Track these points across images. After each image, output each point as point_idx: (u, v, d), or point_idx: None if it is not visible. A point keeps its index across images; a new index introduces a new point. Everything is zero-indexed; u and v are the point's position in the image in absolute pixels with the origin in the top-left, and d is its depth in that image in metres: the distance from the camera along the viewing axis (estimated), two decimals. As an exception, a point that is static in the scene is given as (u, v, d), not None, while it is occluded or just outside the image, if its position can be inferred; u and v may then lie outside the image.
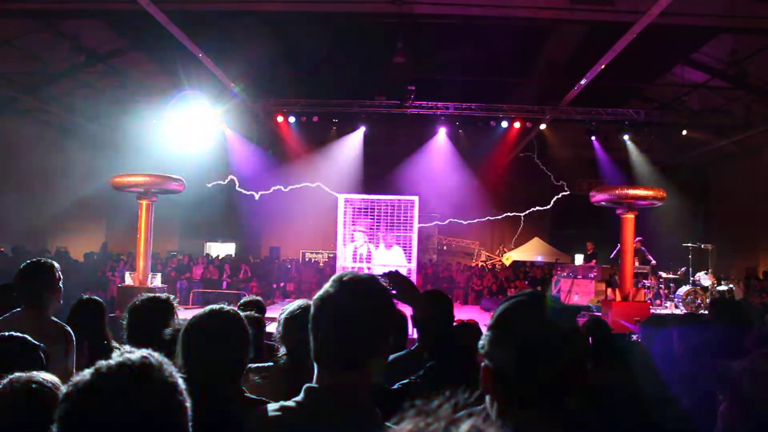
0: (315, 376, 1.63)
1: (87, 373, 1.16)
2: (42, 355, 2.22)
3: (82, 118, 19.04)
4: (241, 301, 4.41)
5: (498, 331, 1.39)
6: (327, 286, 1.66)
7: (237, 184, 15.57)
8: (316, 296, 1.67)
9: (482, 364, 1.41)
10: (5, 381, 1.74)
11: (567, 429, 1.34)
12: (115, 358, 1.19)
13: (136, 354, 1.19)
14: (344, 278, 1.66)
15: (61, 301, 3.61)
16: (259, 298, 4.68)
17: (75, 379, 1.16)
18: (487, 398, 1.40)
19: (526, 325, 1.36)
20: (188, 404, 1.23)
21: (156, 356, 1.22)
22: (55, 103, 17.96)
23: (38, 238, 18.71)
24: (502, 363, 1.35)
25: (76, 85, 17.91)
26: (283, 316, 3.04)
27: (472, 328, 3.94)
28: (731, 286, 15.82)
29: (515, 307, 1.42)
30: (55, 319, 3.50)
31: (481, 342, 1.42)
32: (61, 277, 3.59)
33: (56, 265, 3.59)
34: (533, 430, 1.32)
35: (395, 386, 2.59)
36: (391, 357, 2.86)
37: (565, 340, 1.35)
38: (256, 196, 15.78)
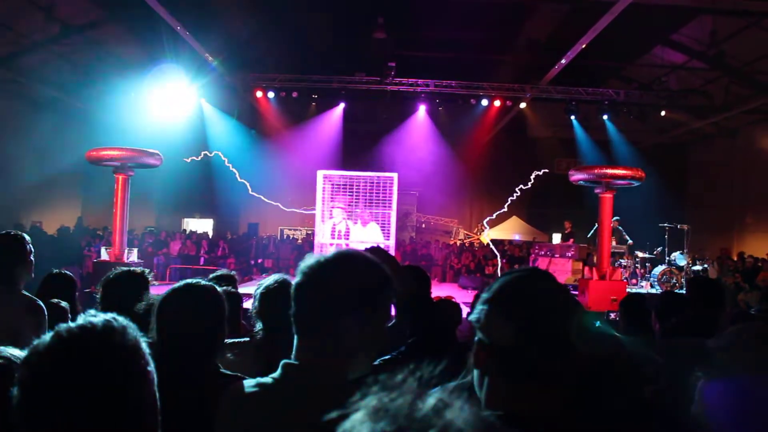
0: (294, 351, 1.59)
1: (48, 336, 1.13)
2: None
3: (57, 90, 18.70)
4: (212, 275, 4.29)
5: (497, 305, 1.38)
6: (319, 256, 1.62)
7: (225, 160, 15.28)
8: (303, 265, 1.62)
9: (475, 338, 1.40)
10: None
11: (563, 405, 1.35)
12: (78, 321, 1.16)
13: (99, 317, 1.16)
14: (331, 251, 1.64)
15: (33, 275, 3.54)
16: (230, 272, 4.55)
17: (35, 342, 1.13)
18: (475, 373, 1.40)
19: (527, 300, 1.36)
20: (151, 369, 1.20)
21: (120, 320, 1.18)
22: (29, 75, 17.61)
23: (12, 213, 18.43)
24: (498, 337, 1.35)
25: (51, 57, 17.54)
26: (258, 290, 2.99)
27: (450, 305, 3.94)
28: (706, 266, 16.00)
29: (516, 282, 1.41)
30: (26, 293, 3.42)
31: (475, 316, 1.41)
32: (33, 250, 3.51)
33: (27, 237, 3.51)
34: (524, 405, 1.32)
35: (376, 362, 2.56)
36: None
37: (565, 317, 1.35)
38: (237, 177, 15.59)
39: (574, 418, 1.38)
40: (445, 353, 1.22)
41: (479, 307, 1.40)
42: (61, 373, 1.09)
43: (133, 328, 1.19)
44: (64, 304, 3.82)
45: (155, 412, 1.21)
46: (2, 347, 1.72)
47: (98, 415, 1.09)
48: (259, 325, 2.93)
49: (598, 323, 1.37)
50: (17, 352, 1.70)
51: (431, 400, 0.73)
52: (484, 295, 1.42)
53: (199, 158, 15.76)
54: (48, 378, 1.09)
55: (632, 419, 1.67)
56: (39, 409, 1.09)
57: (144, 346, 1.20)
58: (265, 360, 2.64)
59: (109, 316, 1.18)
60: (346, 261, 1.60)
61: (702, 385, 2.15)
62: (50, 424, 1.08)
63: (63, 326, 1.14)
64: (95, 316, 1.17)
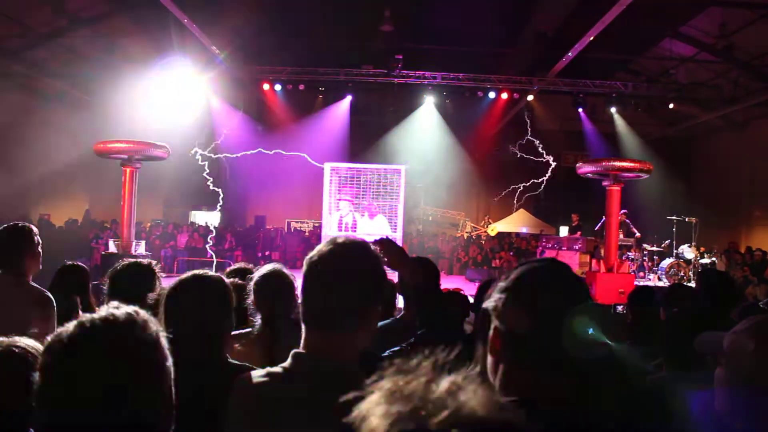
0: (302, 341, 1.60)
1: (71, 325, 1.16)
2: None
3: (65, 83, 18.73)
4: (230, 268, 4.29)
5: (515, 293, 1.37)
6: (320, 246, 1.62)
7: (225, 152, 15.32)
8: (308, 256, 1.62)
9: (492, 325, 1.39)
10: None
11: (577, 395, 1.34)
12: (101, 312, 1.18)
13: (122, 309, 1.19)
14: (339, 240, 1.62)
15: (41, 266, 3.54)
16: (248, 265, 4.51)
17: (59, 329, 1.16)
18: (490, 359, 1.39)
19: (546, 289, 1.36)
20: (170, 363, 1.22)
21: (142, 313, 1.21)
22: (37, 68, 17.63)
23: (20, 206, 18.47)
24: (515, 325, 1.34)
25: (59, 50, 17.56)
26: (252, 282, 3.00)
27: (459, 297, 3.94)
28: (714, 259, 15.93)
29: (535, 271, 1.41)
30: (34, 284, 3.42)
31: (492, 303, 1.40)
32: (40, 241, 3.50)
33: (34, 229, 3.50)
34: (538, 392, 1.32)
35: (385, 354, 2.56)
36: (380, 324, 2.83)
37: (584, 309, 1.34)
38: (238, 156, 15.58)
39: (586, 408, 1.37)
40: (454, 345, 1.21)
41: (496, 295, 1.39)
42: (82, 361, 1.12)
43: (154, 322, 1.22)
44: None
45: (170, 405, 1.23)
46: (17, 337, 1.74)
47: (115, 405, 1.11)
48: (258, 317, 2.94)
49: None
50: (32, 342, 1.72)
51: (445, 383, 0.74)
52: (502, 284, 1.40)
53: (207, 151, 15.79)
54: (69, 366, 1.12)
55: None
56: (58, 395, 1.11)
57: (164, 340, 1.22)
58: (265, 350, 2.65)
59: (131, 309, 1.21)
60: (354, 254, 1.60)
61: (702, 393, 2.11)
62: (68, 411, 1.10)
63: (87, 316, 1.17)
64: (118, 308, 1.19)
